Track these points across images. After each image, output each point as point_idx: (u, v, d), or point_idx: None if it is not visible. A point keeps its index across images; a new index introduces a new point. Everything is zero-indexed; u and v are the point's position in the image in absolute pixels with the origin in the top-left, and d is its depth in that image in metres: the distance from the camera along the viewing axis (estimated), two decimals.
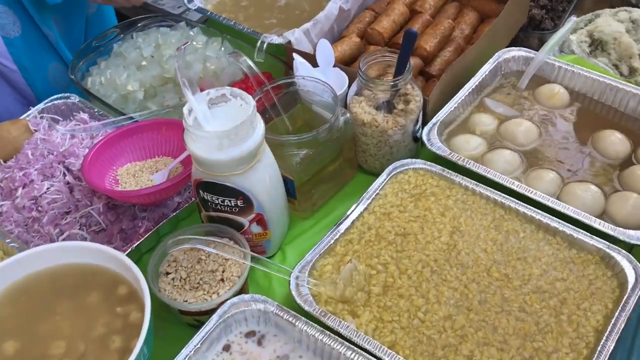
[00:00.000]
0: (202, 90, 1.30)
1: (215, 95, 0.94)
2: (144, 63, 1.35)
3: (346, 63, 1.34)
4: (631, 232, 0.94)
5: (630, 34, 1.40)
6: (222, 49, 1.38)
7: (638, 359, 0.90)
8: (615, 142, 1.11)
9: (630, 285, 0.88)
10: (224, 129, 0.87)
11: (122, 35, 1.42)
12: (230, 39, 1.40)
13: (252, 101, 0.91)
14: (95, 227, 1.06)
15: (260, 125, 0.92)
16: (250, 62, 1.08)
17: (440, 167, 1.07)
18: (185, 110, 0.90)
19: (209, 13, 1.46)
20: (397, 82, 1.05)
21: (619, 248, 0.93)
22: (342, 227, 0.99)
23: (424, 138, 1.11)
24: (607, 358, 0.81)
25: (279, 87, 1.10)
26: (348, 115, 1.09)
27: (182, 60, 0.88)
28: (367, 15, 1.42)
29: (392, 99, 1.09)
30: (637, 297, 0.87)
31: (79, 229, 1.05)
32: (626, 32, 1.39)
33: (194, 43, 1.39)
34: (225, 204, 0.96)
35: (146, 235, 1.03)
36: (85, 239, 1.04)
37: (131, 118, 1.20)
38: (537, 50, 1.24)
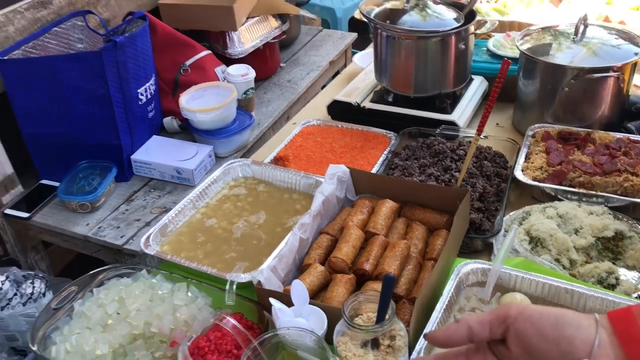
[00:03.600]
0: (174, 343, 1.29)
1: None
2: (110, 322, 1.31)
3: (315, 293, 1.37)
4: None
5: (561, 228, 1.54)
6: (189, 294, 1.37)
7: None
8: None
9: None
10: None
11: (81, 293, 1.39)
12: (195, 283, 1.40)
13: None
14: None
15: None
16: (234, 322, 1.09)
17: None
18: None
19: (169, 257, 1.47)
20: (383, 325, 1.08)
21: None
22: None
23: None
24: None
25: (265, 339, 1.10)
26: None
27: None
28: (324, 240, 1.49)
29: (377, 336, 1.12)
30: None
31: None
32: (558, 227, 1.53)
33: (159, 292, 1.37)
34: None
35: None
36: None
37: None
38: (488, 257, 1.33)
